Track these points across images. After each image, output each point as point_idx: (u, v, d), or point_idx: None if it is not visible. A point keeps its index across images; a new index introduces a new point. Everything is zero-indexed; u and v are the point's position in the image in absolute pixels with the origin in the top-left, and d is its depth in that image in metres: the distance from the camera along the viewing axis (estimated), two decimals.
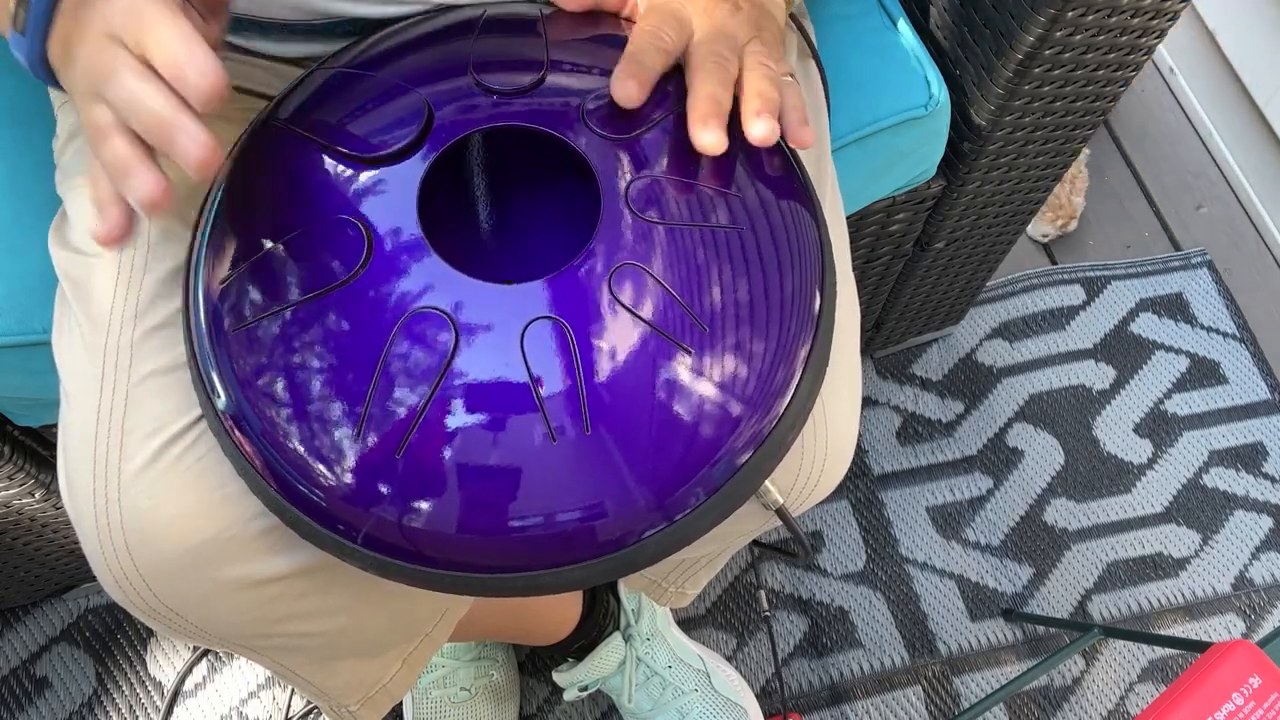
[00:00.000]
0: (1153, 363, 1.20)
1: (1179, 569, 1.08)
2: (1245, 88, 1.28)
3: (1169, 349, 1.21)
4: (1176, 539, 1.10)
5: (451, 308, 0.40)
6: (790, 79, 0.48)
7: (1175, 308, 1.24)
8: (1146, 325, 1.22)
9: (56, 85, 0.45)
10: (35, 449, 0.79)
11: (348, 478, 0.40)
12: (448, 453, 0.39)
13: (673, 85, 0.46)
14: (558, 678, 0.93)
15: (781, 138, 0.47)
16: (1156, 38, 0.72)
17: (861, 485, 1.11)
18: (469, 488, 0.40)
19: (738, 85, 0.45)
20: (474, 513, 0.40)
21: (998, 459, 1.13)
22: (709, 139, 0.42)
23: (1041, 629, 1.04)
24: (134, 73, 0.38)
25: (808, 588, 1.05)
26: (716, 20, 0.47)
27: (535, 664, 1.00)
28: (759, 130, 0.43)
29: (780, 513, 0.53)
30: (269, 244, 0.43)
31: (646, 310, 0.41)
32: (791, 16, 0.61)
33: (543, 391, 0.39)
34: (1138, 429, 1.16)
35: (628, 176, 0.43)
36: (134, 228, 0.41)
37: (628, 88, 0.43)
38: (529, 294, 0.40)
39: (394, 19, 0.52)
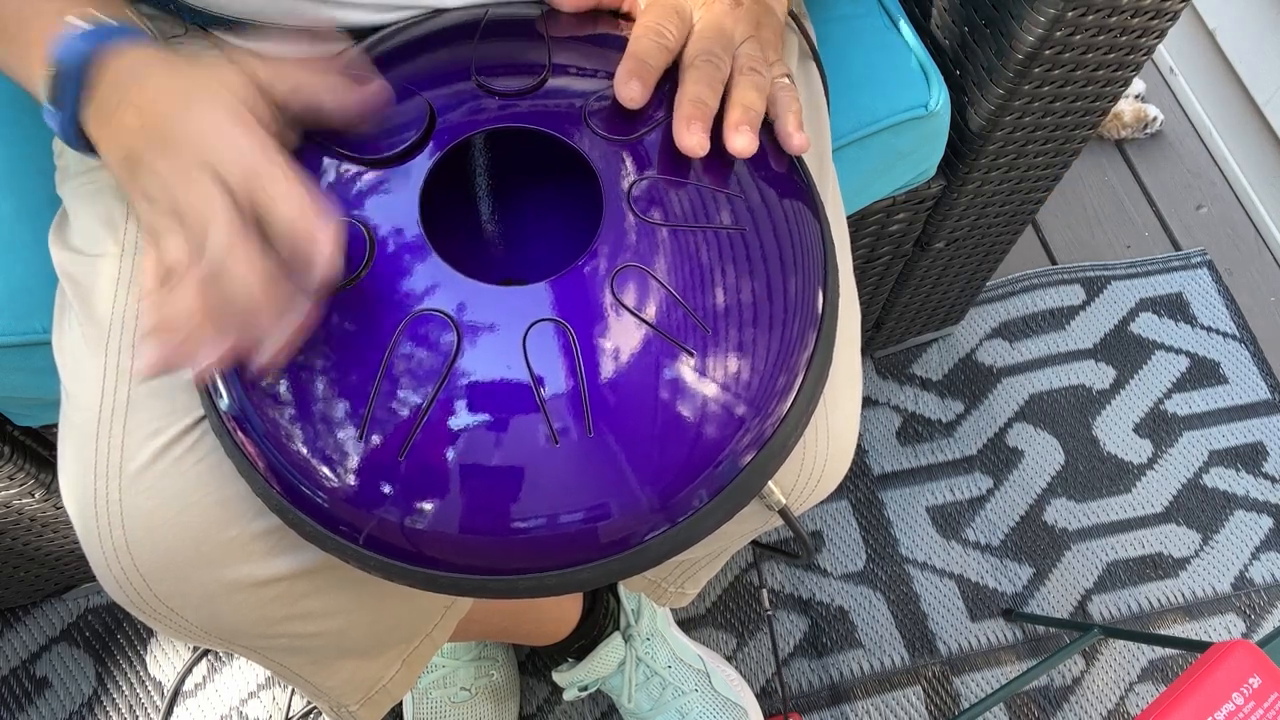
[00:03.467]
0: (1153, 363, 1.20)
1: (1179, 569, 1.08)
2: (1245, 88, 1.29)
3: (1169, 349, 1.21)
4: (1176, 539, 1.10)
5: (454, 309, 0.40)
6: (787, 80, 0.48)
7: (1175, 308, 1.24)
8: (1146, 325, 1.22)
9: (93, 154, 0.44)
10: (35, 449, 0.79)
11: (350, 479, 0.40)
12: (450, 455, 0.39)
13: (674, 85, 0.46)
14: (558, 678, 0.93)
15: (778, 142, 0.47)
16: (1156, 38, 0.72)
17: (861, 485, 1.11)
18: (472, 489, 0.40)
19: (727, 85, 0.45)
20: (476, 515, 0.40)
21: (998, 459, 1.13)
22: (690, 140, 0.43)
23: (1041, 629, 1.05)
24: (235, 236, 0.36)
25: (808, 588, 1.05)
26: (715, 15, 0.46)
27: (535, 664, 1.00)
28: (738, 143, 0.43)
29: (783, 513, 0.53)
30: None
31: (649, 312, 0.41)
32: (792, 16, 0.61)
33: (545, 393, 0.39)
34: (1138, 429, 1.16)
35: (630, 177, 0.43)
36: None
37: (632, 88, 0.43)
38: (531, 296, 0.40)
39: (392, 25, 0.52)
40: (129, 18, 0.45)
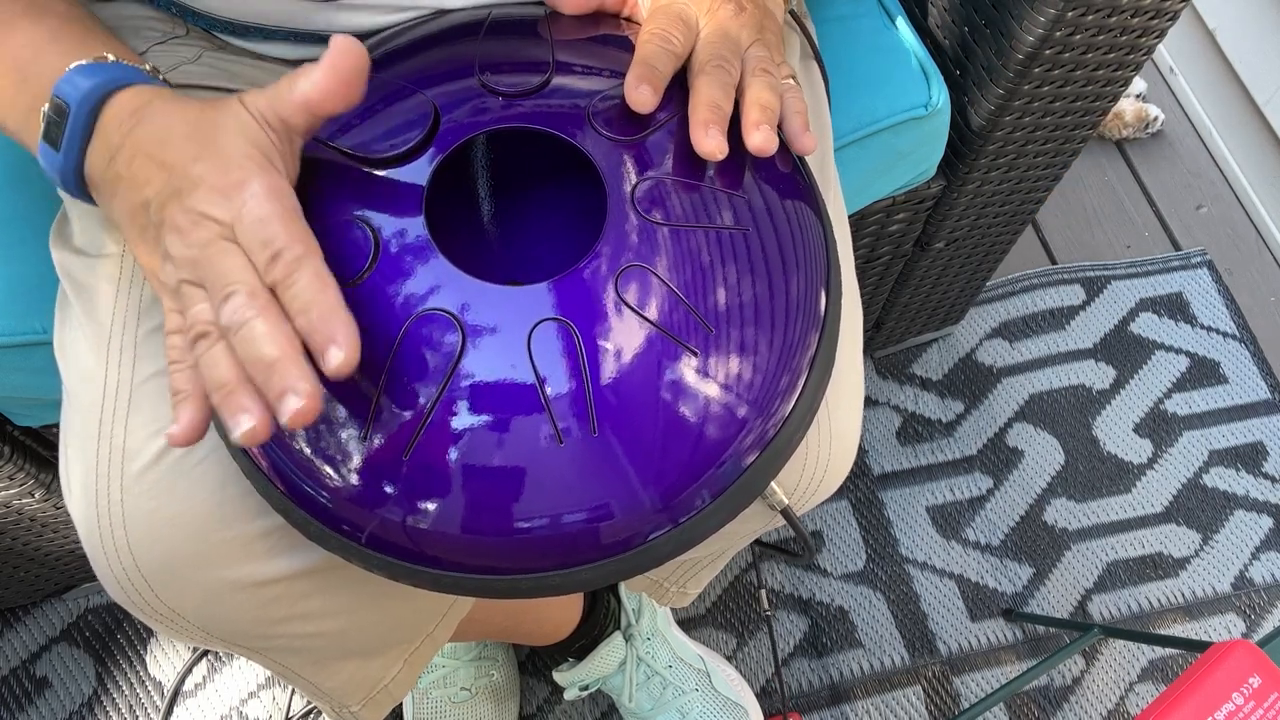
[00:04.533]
0: (1153, 363, 1.20)
1: (1179, 569, 1.08)
2: (1245, 88, 1.29)
3: (1169, 349, 1.21)
4: (1176, 539, 1.10)
5: (458, 309, 0.40)
6: (792, 82, 0.48)
7: (1175, 308, 1.24)
8: (1146, 325, 1.22)
9: (89, 200, 0.43)
10: (35, 449, 0.79)
11: (354, 479, 0.40)
12: (454, 454, 0.39)
13: (677, 87, 0.46)
14: (558, 677, 0.93)
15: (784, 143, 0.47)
16: (1156, 38, 0.72)
17: (861, 485, 1.11)
18: (475, 489, 0.40)
19: (739, 90, 0.46)
20: (480, 514, 0.40)
21: (998, 459, 1.13)
22: (710, 145, 0.43)
23: (1041, 629, 1.05)
24: (251, 297, 0.35)
25: (808, 588, 1.05)
26: (721, 21, 0.47)
27: (535, 664, 1.00)
28: (758, 140, 0.44)
29: (785, 513, 0.53)
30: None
31: (653, 311, 0.41)
32: (794, 15, 0.61)
33: (549, 393, 0.39)
34: (1138, 429, 1.16)
35: (634, 178, 0.43)
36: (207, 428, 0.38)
37: (643, 93, 0.43)
38: (535, 295, 0.40)
39: (395, 27, 0.52)
40: (137, 60, 0.45)
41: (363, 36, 0.53)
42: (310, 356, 0.36)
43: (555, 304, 0.40)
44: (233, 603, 0.47)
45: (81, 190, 0.43)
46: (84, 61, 0.42)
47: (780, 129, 0.47)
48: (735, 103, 0.45)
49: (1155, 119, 1.34)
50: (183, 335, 0.38)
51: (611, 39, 0.49)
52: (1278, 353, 1.22)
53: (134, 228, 0.40)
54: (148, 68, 0.45)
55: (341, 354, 0.35)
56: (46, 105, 0.42)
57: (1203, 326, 1.22)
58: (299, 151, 0.42)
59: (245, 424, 0.35)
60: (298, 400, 0.34)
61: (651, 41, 0.45)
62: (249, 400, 0.35)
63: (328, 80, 0.38)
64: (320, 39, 0.54)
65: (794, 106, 0.47)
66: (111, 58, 0.43)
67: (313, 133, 0.41)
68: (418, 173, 0.43)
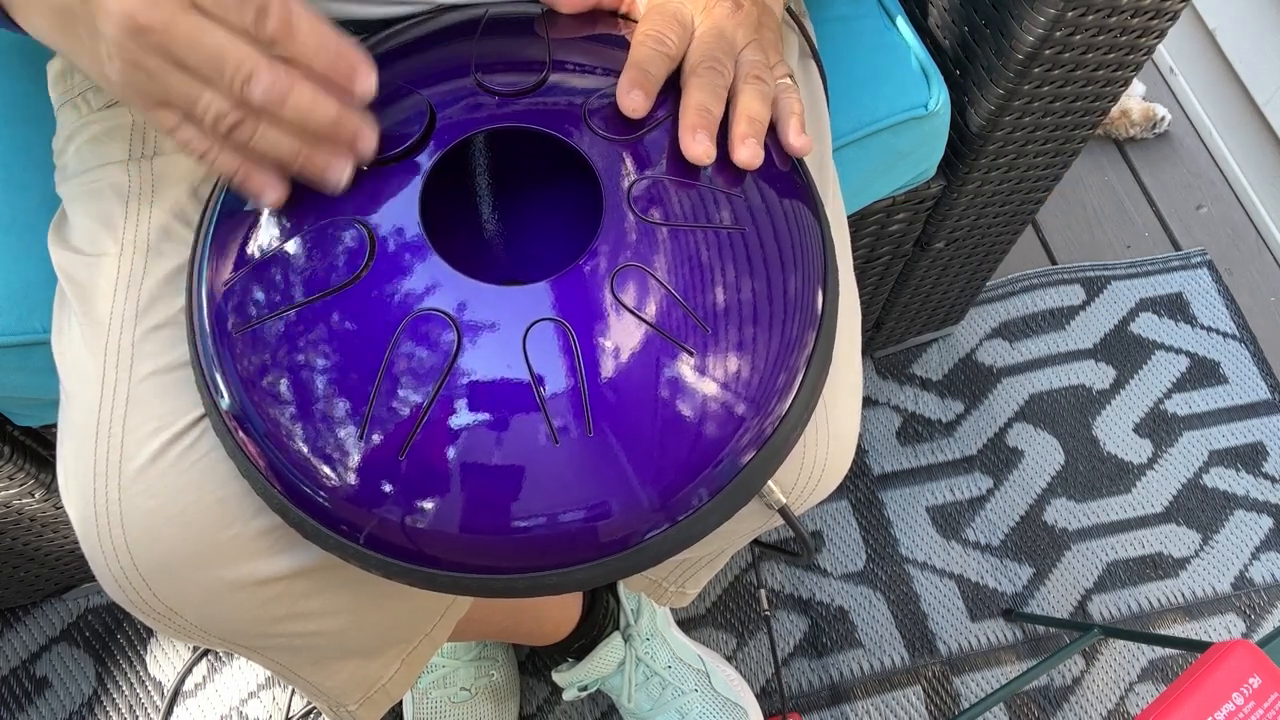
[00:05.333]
0: (1153, 363, 1.20)
1: (1179, 569, 1.08)
2: (1245, 88, 1.29)
3: (1169, 349, 1.21)
4: (1176, 539, 1.10)
5: (454, 309, 0.40)
6: (789, 81, 0.48)
7: (1175, 308, 1.24)
8: (1146, 325, 1.22)
9: (13, 27, 0.40)
10: (35, 449, 0.79)
11: (351, 479, 0.40)
12: (451, 454, 0.39)
13: (672, 87, 0.46)
14: (557, 678, 0.93)
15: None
16: (1156, 38, 0.72)
17: (861, 485, 1.11)
18: (472, 489, 0.40)
19: (731, 93, 0.45)
20: (477, 514, 0.40)
21: (998, 459, 1.13)
22: (697, 150, 0.43)
23: (1041, 629, 1.05)
24: (272, 68, 0.35)
25: (808, 588, 1.05)
26: (716, 20, 0.46)
27: (535, 664, 1.00)
28: (744, 155, 0.44)
29: (783, 512, 0.53)
30: (272, 245, 0.43)
31: (649, 311, 0.41)
32: (792, 15, 0.61)
33: (545, 393, 0.39)
34: (1138, 429, 1.16)
35: (630, 177, 0.43)
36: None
37: (634, 98, 0.44)
38: (531, 295, 0.40)
39: (396, 20, 0.52)
40: None
41: (362, 28, 0.53)
42: None
43: (551, 304, 0.40)
44: (231, 602, 0.47)
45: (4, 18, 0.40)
46: None
47: (775, 130, 0.47)
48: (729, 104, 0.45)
49: (1163, 119, 1.34)
50: (194, 129, 0.38)
51: (608, 37, 0.49)
52: (1278, 353, 1.22)
53: (65, 35, 0.38)
54: None
55: (371, 75, 0.37)
56: None
57: (1203, 326, 1.22)
58: None
59: (339, 169, 0.39)
60: (370, 134, 0.39)
61: (645, 43, 0.45)
62: (332, 155, 0.39)
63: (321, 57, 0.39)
64: None
65: (790, 108, 0.47)
66: None
67: None
68: (414, 173, 0.43)
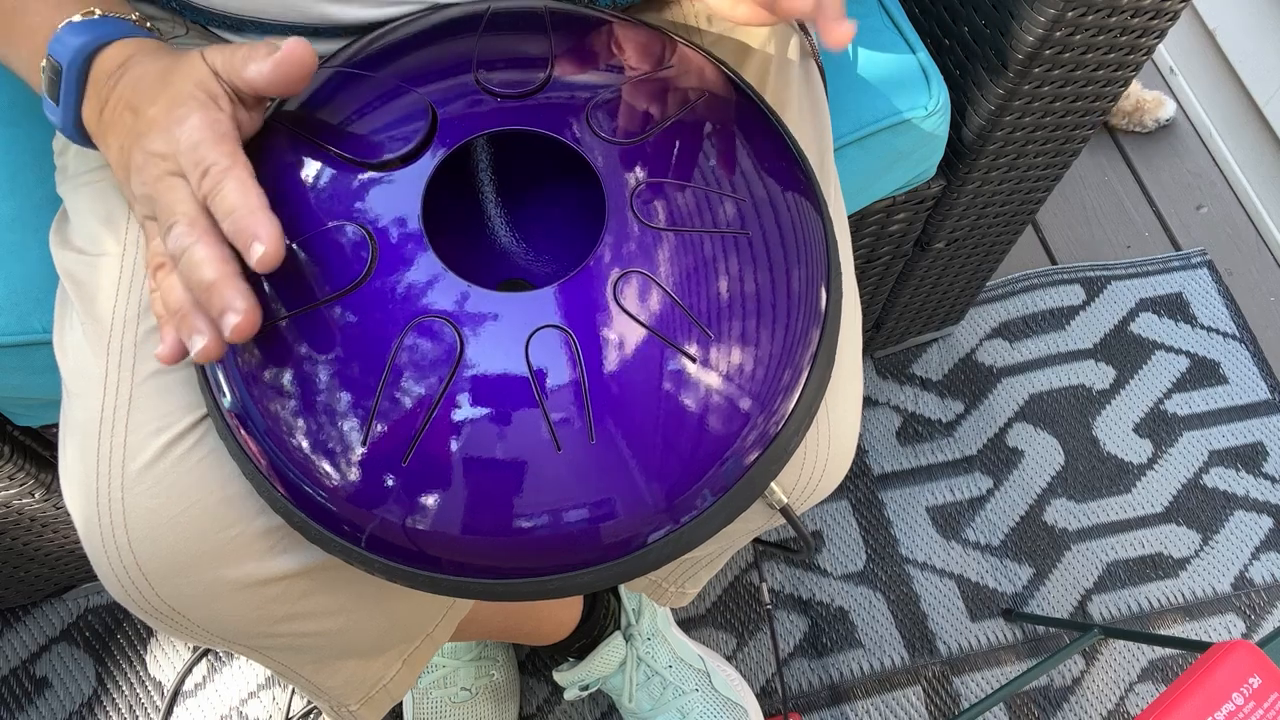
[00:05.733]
0: (1153, 363, 1.20)
1: (1179, 569, 1.08)
2: (1245, 88, 1.29)
3: (1169, 349, 1.21)
4: (1176, 539, 1.10)
5: (456, 314, 0.40)
6: None
7: (1175, 308, 1.24)
8: (1146, 325, 1.22)
9: (94, 147, 0.46)
10: (35, 449, 0.79)
11: (354, 482, 0.40)
12: (453, 459, 0.39)
13: (675, 88, 0.46)
14: (558, 677, 0.93)
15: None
16: (1156, 38, 0.72)
17: (861, 485, 1.11)
18: (475, 494, 0.40)
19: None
20: (480, 518, 0.40)
21: (998, 459, 1.13)
22: (846, 29, 0.39)
23: (1041, 629, 1.05)
24: (190, 226, 0.39)
25: (808, 588, 1.05)
26: None
27: (535, 664, 1.00)
28: (843, 31, 0.40)
29: (784, 512, 0.53)
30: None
31: (651, 317, 0.41)
32: None
33: (548, 400, 0.39)
34: (1138, 429, 1.16)
35: (633, 181, 0.43)
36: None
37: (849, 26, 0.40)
38: (535, 302, 0.40)
39: (392, 20, 0.52)
40: (126, 13, 0.47)
41: (359, 30, 0.53)
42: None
43: (554, 310, 0.40)
44: (233, 602, 0.47)
45: (83, 137, 0.46)
46: (75, 19, 0.45)
47: (779, 126, 0.47)
48: (734, 103, 0.45)
49: (1167, 106, 1.35)
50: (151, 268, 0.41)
51: (613, 34, 0.49)
52: (1278, 353, 1.22)
53: (121, 170, 0.43)
54: (135, 17, 0.47)
55: (263, 247, 0.37)
56: (44, 63, 0.45)
57: (1203, 326, 1.22)
58: (256, 110, 0.44)
59: (198, 343, 0.38)
60: (235, 316, 0.37)
61: None
62: (201, 322, 0.39)
63: (273, 75, 0.41)
64: (316, 32, 0.54)
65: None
66: (99, 12, 0.45)
67: (259, 105, 0.44)
68: (415, 176, 0.43)
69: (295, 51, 0.41)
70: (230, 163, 0.39)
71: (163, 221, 0.39)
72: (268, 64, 0.41)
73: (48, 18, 0.46)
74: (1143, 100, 1.35)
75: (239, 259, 0.39)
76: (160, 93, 0.41)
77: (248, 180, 0.39)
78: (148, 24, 0.47)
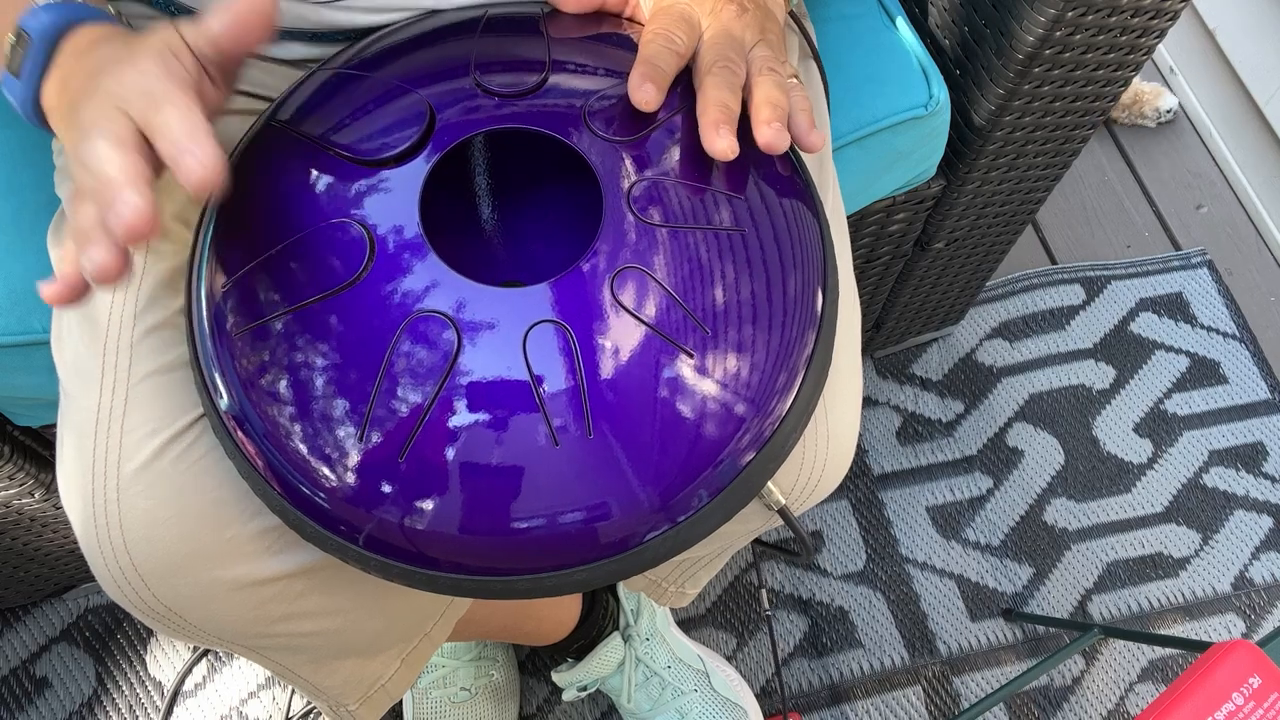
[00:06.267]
0: (1153, 362, 1.20)
1: (1179, 569, 1.08)
2: (1245, 88, 1.29)
3: (1169, 349, 1.21)
4: (1176, 539, 1.10)
5: (454, 311, 0.40)
6: (796, 80, 0.48)
7: (1175, 307, 1.24)
8: (1146, 325, 1.22)
9: (48, 130, 0.44)
10: (35, 449, 0.79)
11: (351, 480, 0.40)
12: (450, 456, 0.39)
13: (674, 86, 0.46)
14: (557, 678, 0.93)
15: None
16: (1156, 38, 0.72)
17: (861, 485, 1.11)
18: (472, 490, 0.40)
19: (745, 90, 0.46)
20: (477, 515, 0.40)
21: (998, 459, 1.13)
22: (722, 145, 0.43)
23: (1041, 629, 1.04)
24: (109, 139, 0.37)
25: (808, 588, 1.05)
26: (724, 22, 0.47)
27: (535, 664, 1.00)
28: (769, 135, 0.43)
29: (783, 513, 0.53)
30: (272, 245, 0.43)
31: (648, 313, 0.41)
32: (792, 16, 0.61)
33: (545, 394, 0.39)
34: (1138, 429, 1.16)
35: (630, 178, 0.43)
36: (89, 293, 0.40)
37: (647, 91, 0.44)
38: (531, 297, 0.40)
39: (390, 25, 0.52)
40: (102, 3, 0.46)
41: (358, 34, 0.53)
42: None
43: (551, 305, 0.40)
44: (230, 602, 0.47)
45: (40, 118, 0.44)
46: None
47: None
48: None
49: (1167, 98, 1.36)
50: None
51: (610, 38, 0.49)
52: (1278, 353, 1.22)
53: (69, 140, 0.41)
54: (111, 9, 0.46)
55: (197, 163, 0.36)
56: (11, 35, 0.43)
57: (1203, 326, 1.22)
58: (224, 78, 0.42)
59: (94, 257, 0.36)
60: (125, 207, 0.35)
61: (655, 41, 0.45)
62: (100, 235, 0.36)
63: (231, 19, 0.40)
64: (315, 37, 0.54)
65: (799, 105, 0.47)
66: None
67: (226, 69, 0.42)
68: (413, 174, 0.43)
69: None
70: (178, 92, 0.37)
71: (89, 139, 0.38)
72: (227, 11, 0.40)
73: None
74: (1141, 92, 1.35)
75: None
76: (124, 58, 0.40)
77: (193, 107, 0.37)
78: (123, 19, 0.47)
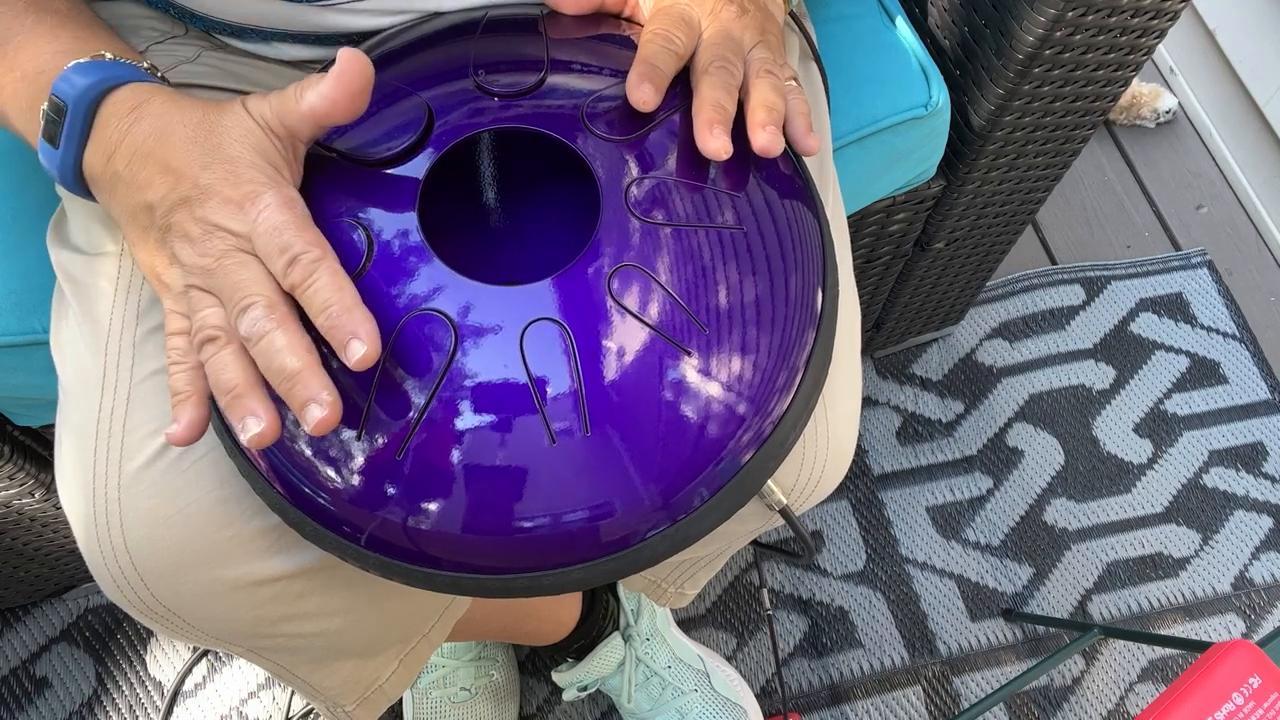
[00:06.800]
0: (1153, 363, 1.20)
1: (1179, 569, 1.08)
2: (1245, 88, 1.29)
3: (1169, 349, 1.21)
4: (1176, 539, 1.10)
5: (452, 309, 0.40)
6: (794, 83, 0.48)
7: (1175, 308, 1.24)
8: (1146, 325, 1.22)
9: (88, 196, 0.44)
10: (35, 449, 0.79)
11: (350, 479, 0.40)
12: (449, 454, 0.39)
13: (673, 85, 0.46)
14: (557, 678, 0.93)
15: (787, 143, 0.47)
16: (1156, 38, 0.72)
17: (861, 485, 1.11)
18: (470, 489, 0.40)
19: (742, 91, 0.46)
20: (474, 514, 0.40)
21: (998, 459, 1.13)
22: (715, 144, 0.43)
23: (1041, 629, 1.04)
24: (270, 309, 0.37)
25: (808, 588, 1.05)
26: (723, 23, 0.47)
27: (535, 664, 1.00)
28: (764, 140, 0.44)
29: (784, 513, 0.53)
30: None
31: (647, 311, 0.41)
32: (792, 16, 0.61)
33: (543, 393, 0.39)
34: (1138, 429, 1.16)
35: (628, 177, 0.43)
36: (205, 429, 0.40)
37: (644, 91, 0.44)
38: (529, 295, 0.40)
39: (392, 28, 0.52)
40: (136, 60, 0.45)
41: (359, 38, 0.53)
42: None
43: (548, 304, 0.40)
44: (229, 602, 0.47)
45: (81, 187, 0.43)
46: (82, 60, 0.43)
47: (784, 131, 0.47)
48: (739, 103, 0.45)
49: (1167, 97, 1.36)
50: (185, 337, 0.39)
51: (609, 38, 0.49)
52: (1278, 353, 1.22)
53: (135, 228, 0.41)
54: (146, 65, 0.45)
55: (364, 347, 0.36)
56: (45, 104, 0.42)
57: (1203, 326, 1.22)
58: (302, 157, 0.42)
59: (254, 427, 0.37)
60: (320, 410, 0.36)
61: (654, 41, 0.45)
62: (257, 404, 0.37)
63: (335, 92, 0.39)
64: (318, 39, 0.54)
65: (797, 108, 0.47)
66: (110, 55, 0.44)
67: (315, 139, 0.42)
68: (412, 174, 0.43)
69: (352, 62, 0.39)
70: (321, 253, 0.38)
71: (232, 300, 0.37)
72: (327, 83, 0.39)
73: (41, 55, 0.43)
74: (1139, 93, 1.35)
75: (319, 348, 0.38)
76: (208, 156, 0.39)
77: (340, 273, 0.38)
78: (159, 74, 0.45)
